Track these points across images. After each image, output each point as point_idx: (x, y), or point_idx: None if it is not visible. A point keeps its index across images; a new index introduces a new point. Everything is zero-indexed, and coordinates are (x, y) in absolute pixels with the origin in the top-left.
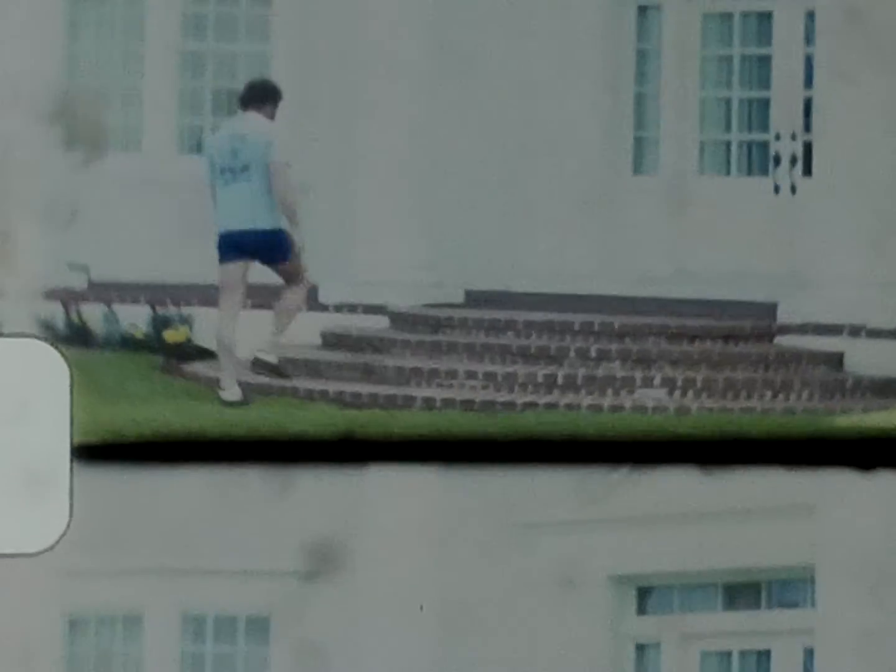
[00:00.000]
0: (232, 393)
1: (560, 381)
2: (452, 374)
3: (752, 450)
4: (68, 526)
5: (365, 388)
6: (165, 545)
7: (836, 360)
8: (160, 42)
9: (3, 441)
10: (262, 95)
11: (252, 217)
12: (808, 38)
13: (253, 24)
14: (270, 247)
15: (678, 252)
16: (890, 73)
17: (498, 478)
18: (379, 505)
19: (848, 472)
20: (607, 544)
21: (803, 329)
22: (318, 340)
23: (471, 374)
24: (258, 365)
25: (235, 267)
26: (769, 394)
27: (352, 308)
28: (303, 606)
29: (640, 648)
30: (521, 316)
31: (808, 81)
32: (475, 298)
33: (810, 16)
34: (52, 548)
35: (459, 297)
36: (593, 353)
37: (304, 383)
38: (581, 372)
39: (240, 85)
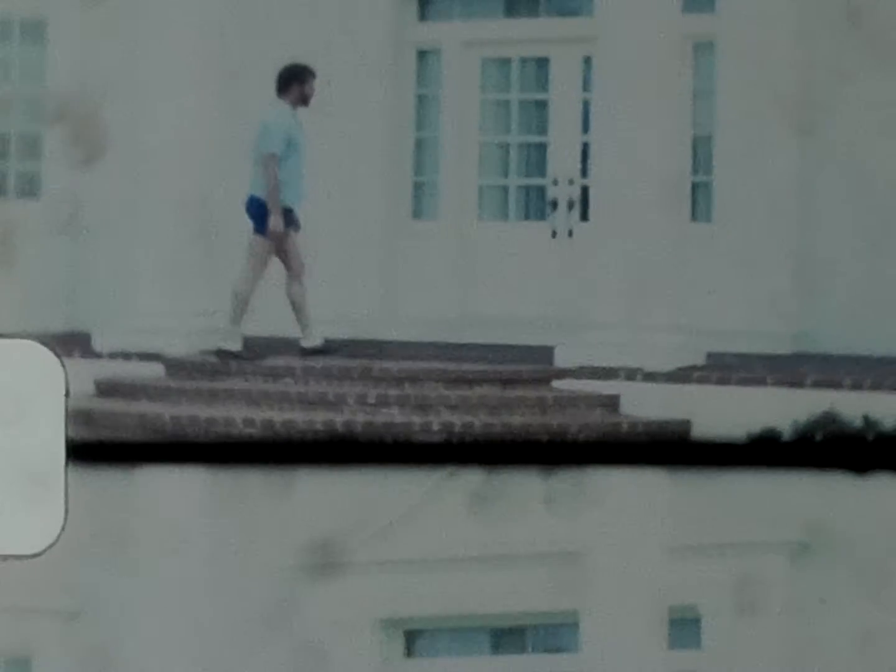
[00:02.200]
0: (234, 343)
1: (339, 427)
2: (230, 422)
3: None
4: (63, 528)
5: (140, 437)
6: None
7: (613, 404)
8: None
9: None
10: (286, 79)
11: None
12: (585, 84)
13: (27, 66)
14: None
15: (459, 297)
16: (656, 121)
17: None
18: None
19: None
20: None
21: (580, 373)
22: (92, 389)
23: (248, 422)
24: (222, 353)
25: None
26: (546, 437)
27: (126, 356)
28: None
29: None
30: (300, 362)
31: (585, 127)
32: (253, 345)
33: (587, 62)
34: (48, 550)
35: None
36: (372, 400)
37: (77, 432)
38: (360, 418)
39: (11, 129)
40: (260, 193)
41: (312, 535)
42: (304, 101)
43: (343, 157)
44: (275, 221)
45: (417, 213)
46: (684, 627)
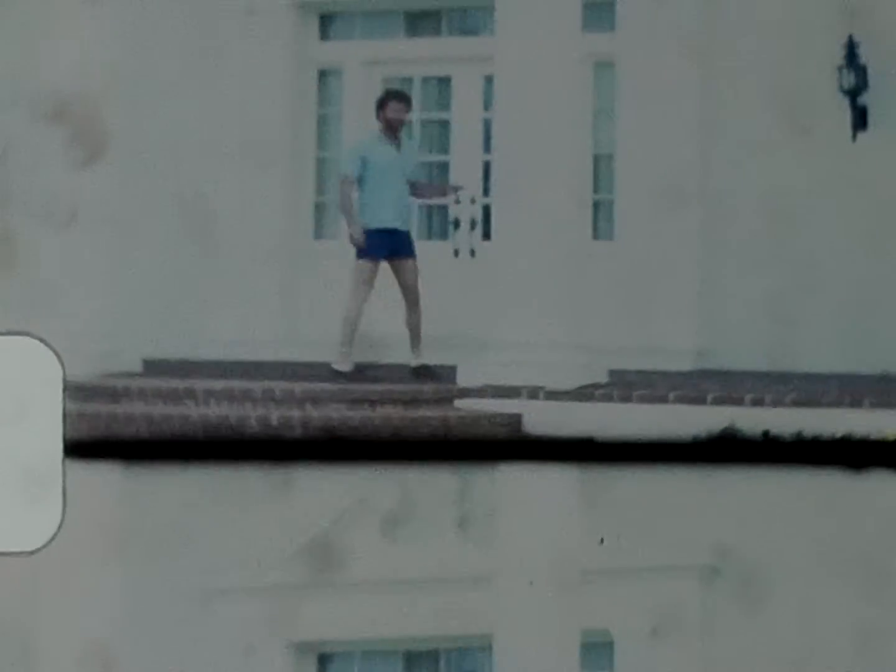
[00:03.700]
0: (345, 364)
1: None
2: None
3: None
4: (61, 524)
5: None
6: None
7: (515, 423)
8: None
9: None
10: (378, 103)
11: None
12: (487, 103)
13: None
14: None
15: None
16: (557, 140)
17: None
18: None
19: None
20: None
21: (482, 392)
22: None
23: None
24: (333, 373)
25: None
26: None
27: None
28: None
29: None
30: (201, 384)
31: (487, 146)
32: (154, 367)
33: (488, 80)
34: (46, 546)
35: (137, 366)
36: (275, 422)
37: None
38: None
39: None
40: (380, 222)
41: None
42: (387, 125)
43: (244, 176)
44: (352, 234)
45: (318, 233)
46: (597, 650)
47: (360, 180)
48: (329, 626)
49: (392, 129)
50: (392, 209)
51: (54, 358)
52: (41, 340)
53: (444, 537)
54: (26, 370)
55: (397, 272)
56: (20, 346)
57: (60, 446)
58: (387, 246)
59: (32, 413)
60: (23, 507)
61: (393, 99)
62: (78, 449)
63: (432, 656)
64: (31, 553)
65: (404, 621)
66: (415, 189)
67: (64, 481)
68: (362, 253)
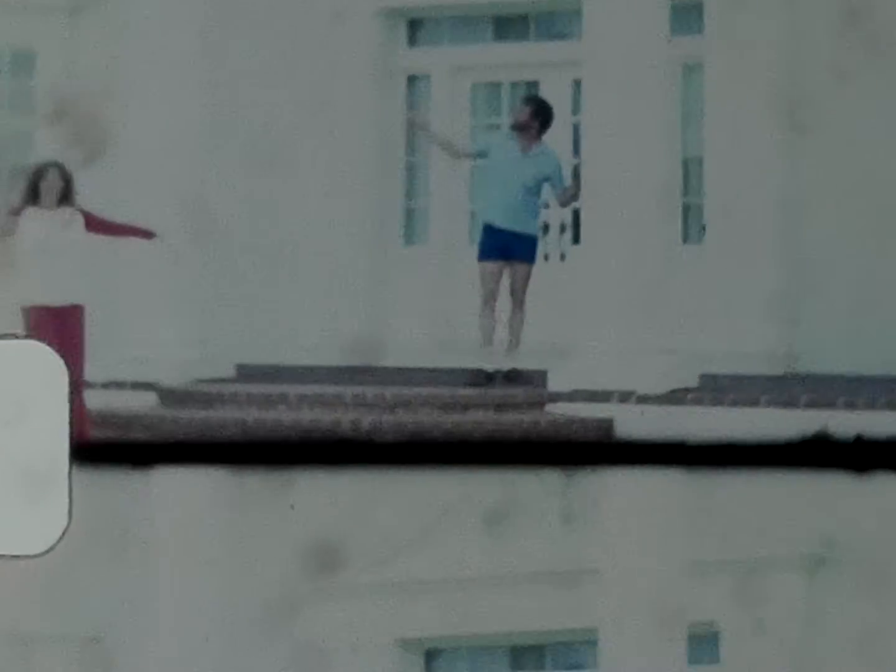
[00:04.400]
0: (489, 364)
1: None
2: None
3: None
4: (67, 528)
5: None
6: None
7: (607, 427)
8: None
9: (1, 443)
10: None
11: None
12: (575, 107)
13: (17, 97)
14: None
15: (449, 322)
16: (646, 143)
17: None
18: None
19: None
20: None
21: (573, 396)
22: None
23: None
24: (477, 373)
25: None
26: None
27: (119, 385)
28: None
29: None
30: (293, 389)
31: (576, 149)
32: (246, 373)
33: (577, 84)
34: (51, 549)
35: (230, 372)
36: (366, 426)
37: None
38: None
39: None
40: (491, 219)
41: (314, 542)
42: (516, 127)
43: (333, 181)
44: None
45: (408, 239)
46: (704, 643)
47: (482, 173)
48: (435, 622)
49: (521, 132)
50: (508, 210)
51: (59, 361)
52: (47, 344)
53: (548, 533)
54: (31, 374)
55: (510, 274)
56: (25, 350)
57: (66, 450)
58: (502, 247)
59: (37, 416)
60: (27, 512)
61: (523, 103)
62: (84, 452)
63: (538, 651)
64: (35, 557)
65: (510, 617)
66: (557, 195)
67: (70, 485)
68: (481, 255)
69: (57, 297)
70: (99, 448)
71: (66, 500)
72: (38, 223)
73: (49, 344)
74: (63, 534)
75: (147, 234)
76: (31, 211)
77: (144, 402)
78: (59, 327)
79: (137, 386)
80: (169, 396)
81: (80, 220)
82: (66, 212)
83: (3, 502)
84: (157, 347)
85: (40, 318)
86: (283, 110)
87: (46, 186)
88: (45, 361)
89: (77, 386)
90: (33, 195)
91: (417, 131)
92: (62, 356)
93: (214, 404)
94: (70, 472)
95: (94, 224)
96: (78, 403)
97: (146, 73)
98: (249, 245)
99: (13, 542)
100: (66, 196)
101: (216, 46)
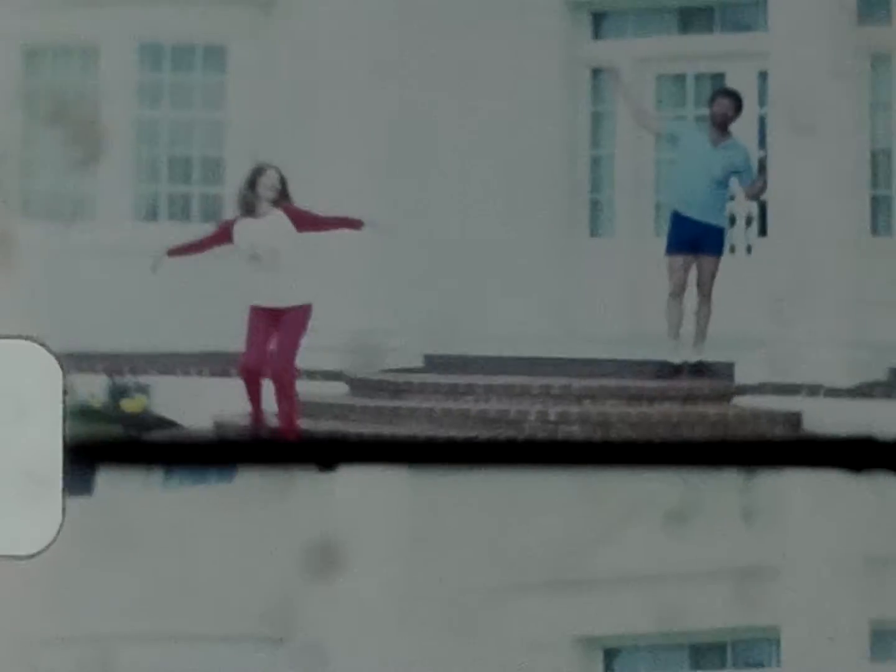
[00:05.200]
0: (676, 356)
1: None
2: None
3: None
4: (61, 528)
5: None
6: None
7: (795, 421)
8: (116, 109)
9: None
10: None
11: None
12: (761, 99)
13: (209, 92)
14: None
15: (636, 314)
16: (833, 135)
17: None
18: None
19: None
20: None
21: (761, 389)
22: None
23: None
24: (665, 366)
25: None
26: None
27: (310, 375)
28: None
29: None
30: (481, 380)
31: (762, 142)
32: (434, 363)
33: (763, 76)
34: (46, 549)
35: (418, 362)
36: (553, 417)
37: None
38: (541, 436)
39: (194, 153)
40: (680, 210)
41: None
42: (712, 119)
43: (520, 174)
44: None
45: (594, 231)
46: (887, 640)
47: (671, 163)
48: (615, 620)
49: (716, 124)
50: (698, 201)
51: (54, 362)
52: (41, 344)
53: (728, 530)
54: (26, 373)
55: (697, 267)
56: (19, 350)
57: (61, 449)
58: (691, 239)
59: (33, 416)
60: (22, 511)
61: (720, 95)
62: (78, 452)
63: (719, 649)
64: (30, 557)
65: (690, 615)
66: (746, 188)
67: (64, 485)
68: (669, 247)
69: (280, 301)
70: (92, 448)
71: (61, 500)
72: (251, 232)
73: (267, 341)
74: (57, 534)
75: (355, 224)
76: (243, 221)
77: (335, 391)
78: (284, 325)
79: (328, 375)
80: (358, 386)
81: (289, 222)
82: (275, 216)
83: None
84: (348, 337)
85: (263, 318)
86: (470, 103)
87: (264, 186)
88: (40, 362)
89: (290, 381)
90: (251, 195)
91: (615, 90)
92: (280, 352)
93: (403, 394)
94: (64, 472)
95: (304, 222)
96: (291, 397)
97: (337, 69)
98: (437, 236)
99: (7, 542)
100: (282, 196)
101: (406, 41)
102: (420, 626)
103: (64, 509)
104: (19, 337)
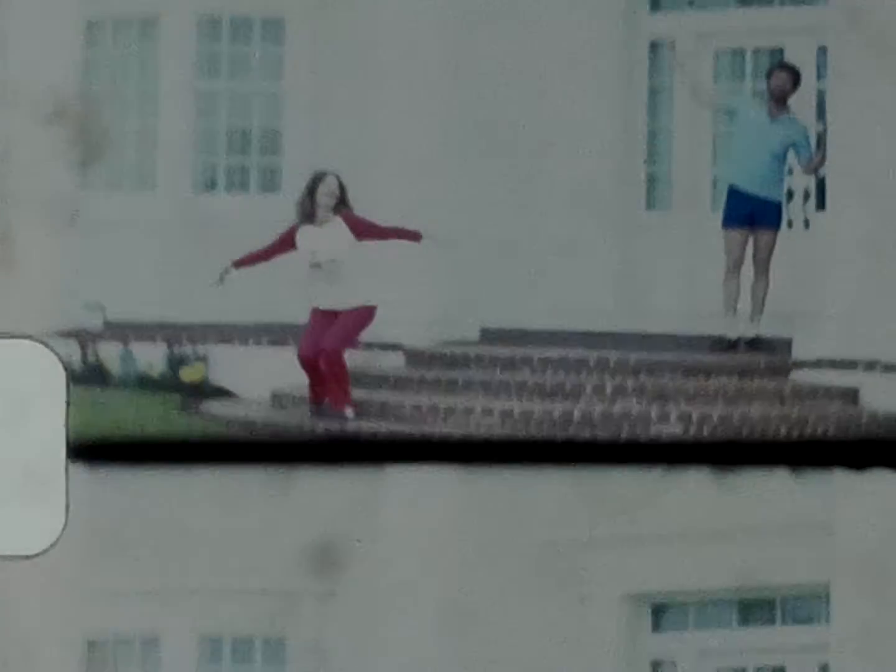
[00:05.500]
0: (733, 332)
1: (576, 417)
2: (469, 412)
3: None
4: (64, 528)
5: (383, 427)
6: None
7: (852, 396)
8: (175, 81)
9: (0, 441)
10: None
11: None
12: (819, 73)
13: (266, 63)
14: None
15: (692, 288)
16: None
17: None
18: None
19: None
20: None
21: (818, 364)
22: None
23: (487, 412)
24: (720, 340)
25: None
26: (784, 429)
27: (368, 346)
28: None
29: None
30: (537, 353)
31: (821, 115)
32: (491, 335)
33: (822, 51)
34: (49, 550)
35: (475, 335)
36: (609, 390)
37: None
38: (597, 409)
39: (252, 124)
40: (737, 183)
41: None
42: (770, 94)
43: (576, 147)
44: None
45: (650, 204)
46: None
47: (728, 137)
48: (663, 576)
49: (774, 98)
50: (755, 175)
51: (56, 361)
52: (43, 344)
53: (779, 485)
54: (29, 373)
55: (754, 241)
56: (23, 350)
57: (63, 449)
58: (748, 213)
59: (35, 416)
60: (25, 511)
61: (778, 69)
62: (81, 451)
63: (768, 605)
64: (34, 556)
65: (739, 571)
66: (803, 163)
67: (67, 484)
68: (726, 221)
69: (341, 305)
70: (95, 447)
71: (64, 499)
72: (312, 239)
73: (324, 333)
74: (60, 534)
75: (414, 236)
76: (304, 228)
77: (392, 363)
78: (344, 315)
79: (386, 346)
80: (415, 357)
81: (347, 230)
82: (334, 224)
83: (1, 501)
84: (406, 309)
85: (324, 314)
86: (526, 79)
87: (323, 194)
88: (42, 361)
89: (339, 363)
90: (309, 202)
91: (671, 62)
92: (334, 334)
93: (459, 366)
94: (67, 472)
95: (363, 231)
96: (341, 380)
97: (391, 57)
98: (495, 211)
99: (10, 542)
100: (341, 202)
101: (462, 29)
102: (482, 578)
103: (67, 508)
104: (23, 337)
